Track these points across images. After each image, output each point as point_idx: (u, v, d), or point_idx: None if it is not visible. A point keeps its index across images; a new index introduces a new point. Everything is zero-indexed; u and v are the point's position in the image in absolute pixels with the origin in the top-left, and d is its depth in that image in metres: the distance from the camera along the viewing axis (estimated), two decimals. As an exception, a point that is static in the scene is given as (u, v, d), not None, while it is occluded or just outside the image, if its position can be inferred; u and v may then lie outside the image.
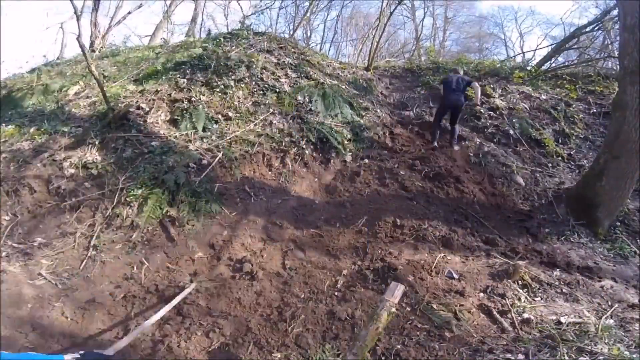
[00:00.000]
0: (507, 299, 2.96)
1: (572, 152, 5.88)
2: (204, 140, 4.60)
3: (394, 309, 2.20)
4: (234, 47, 6.33)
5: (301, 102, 5.52)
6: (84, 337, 2.66)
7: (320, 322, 2.71)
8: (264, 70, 5.90)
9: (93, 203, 3.79)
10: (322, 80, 6.04)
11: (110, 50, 7.84)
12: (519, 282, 3.16)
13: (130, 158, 4.22)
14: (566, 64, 8.75)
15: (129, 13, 10.73)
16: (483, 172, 5.10)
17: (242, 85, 5.52)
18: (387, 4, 8.85)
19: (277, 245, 3.64)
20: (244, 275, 3.26)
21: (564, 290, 3.14)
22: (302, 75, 6.11)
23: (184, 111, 4.88)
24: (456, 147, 5.46)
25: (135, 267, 3.28)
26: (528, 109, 6.44)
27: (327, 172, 4.77)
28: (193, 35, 10.31)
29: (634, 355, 2.24)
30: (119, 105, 4.77)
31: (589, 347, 2.32)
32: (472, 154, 5.39)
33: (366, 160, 5.01)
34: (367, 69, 7.54)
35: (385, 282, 3.06)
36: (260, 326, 2.73)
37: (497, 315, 2.78)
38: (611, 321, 2.70)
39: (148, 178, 3.94)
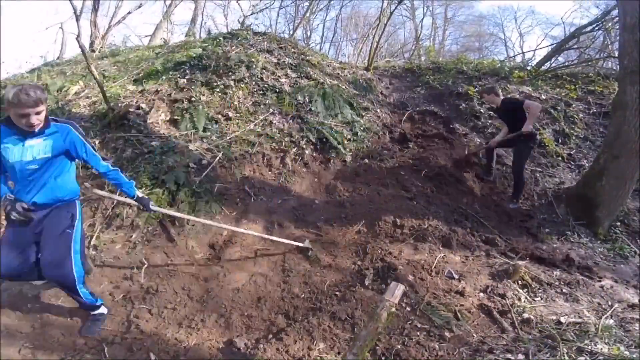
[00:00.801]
0: (507, 299, 2.96)
1: (572, 152, 5.88)
2: (204, 140, 4.60)
3: (394, 309, 2.19)
4: (234, 47, 6.33)
5: (301, 102, 5.52)
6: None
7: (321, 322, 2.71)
8: (264, 70, 5.90)
9: (93, 203, 3.78)
10: (322, 80, 6.05)
11: (110, 50, 7.85)
12: (519, 282, 3.17)
13: (130, 158, 4.22)
14: (566, 64, 8.75)
15: (129, 13, 10.76)
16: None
17: (242, 85, 5.52)
18: (387, 3, 8.85)
19: (277, 245, 3.64)
20: (244, 275, 3.26)
21: (564, 290, 3.15)
22: (302, 75, 6.11)
23: (184, 111, 4.88)
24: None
25: (135, 267, 3.28)
26: (528, 109, 6.43)
27: (327, 172, 4.77)
28: (193, 35, 10.31)
29: (634, 355, 2.24)
30: (119, 105, 4.77)
31: (589, 347, 2.32)
32: (472, 155, 5.38)
33: (366, 160, 5.01)
34: (367, 68, 7.55)
35: (385, 282, 3.06)
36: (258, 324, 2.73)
37: (497, 315, 2.78)
38: (611, 321, 2.70)
39: (148, 178, 3.94)
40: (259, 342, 2.60)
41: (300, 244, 3.48)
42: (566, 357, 2.25)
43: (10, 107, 2.08)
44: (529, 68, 8.13)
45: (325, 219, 4.02)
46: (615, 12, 7.08)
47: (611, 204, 4.41)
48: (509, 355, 2.32)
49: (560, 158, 5.73)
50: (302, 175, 4.62)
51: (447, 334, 2.56)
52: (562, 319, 2.70)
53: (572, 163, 5.72)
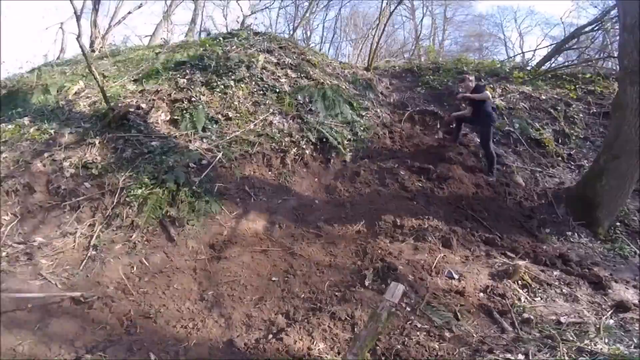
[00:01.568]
0: (507, 299, 2.96)
1: (572, 152, 5.88)
2: (204, 140, 4.60)
3: (394, 309, 2.20)
4: (234, 47, 6.32)
5: (301, 102, 5.52)
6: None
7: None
8: (264, 70, 5.89)
9: (93, 203, 3.79)
10: (322, 80, 6.04)
11: (110, 50, 7.84)
12: (519, 282, 3.17)
13: (130, 158, 4.22)
14: (566, 64, 8.75)
15: (129, 13, 10.76)
16: (483, 173, 5.10)
17: (242, 85, 5.52)
18: (387, 3, 8.84)
19: (277, 245, 3.64)
20: (244, 275, 3.26)
21: (564, 290, 3.15)
22: (302, 75, 6.11)
23: (184, 111, 4.88)
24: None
25: (135, 267, 3.28)
26: (528, 109, 6.44)
27: (327, 172, 4.77)
28: (193, 36, 10.32)
29: (634, 355, 2.24)
30: (119, 105, 4.77)
31: (589, 347, 2.32)
32: (472, 154, 5.39)
33: (366, 160, 5.01)
34: (367, 69, 7.54)
35: (385, 282, 3.06)
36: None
37: (497, 315, 2.78)
38: (611, 321, 2.70)
39: (148, 178, 3.94)
40: (259, 342, 2.60)
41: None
42: (566, 357, 2.25)
43: None
44: (528, 68, 8.13)
45: (325, 219, 4.03)
46: (614, 12, 7.09)
47: (611, 204, 4.41)
48: (509, 355, 2.32)
49: (560, 158, 5.72)
50: (302, 175, 4.62)
51: (447, 334, 2.56)
52: (562, 319, 2.70)
53: (572, 163, 5.72)
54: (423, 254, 3.47)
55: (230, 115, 5.02)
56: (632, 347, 2.37)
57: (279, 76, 5.91)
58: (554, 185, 5.19)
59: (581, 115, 6.51)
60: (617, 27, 5.20)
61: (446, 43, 19.32)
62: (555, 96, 6.81)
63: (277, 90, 5.60)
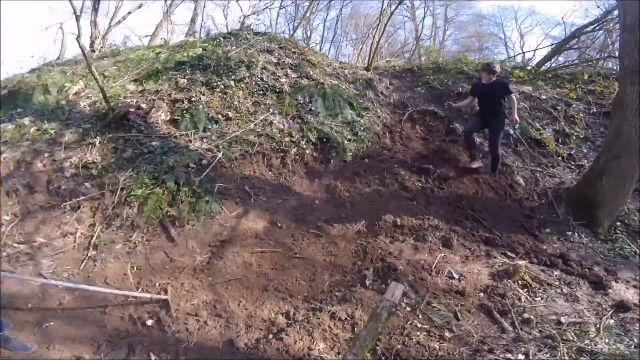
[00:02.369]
0: (507, 299, 2.96)
1: (572, 152, 5.88)
2: (204, 140, 4.60)
3: (394, 309, 2.20)
4: (234, 47, 6.32)
5: (301, 102, 5.52)
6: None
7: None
8: (264, 70, 5.89)
9: (93, 203, 3.79)
10: (322, 80, 6.04)
11: (111, 50, 7.84)
12: (519, 282, 3.17)
13: (130, 158, 4.22)
14: (566, 64, 8.75)
15: (129, 13, 10.73)
16: (483, 172, 5.10)
17: (242, 85, 5.52)
18: (387, 4, 8.84)
19: (278, 245, 3.64)
20: (244, 276, 3.26)
21: (564, 290, 3.15)
22: (302, 75, 6.11)
23: (184, 111, 4.89)
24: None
25: (135, 267, 3.29)
26: (528, 109, 6.43)
27: (327, 172, 4.77)
28: (193, 35, 10.32)
29: (634, 355, 2.24)
30: (119, 105, 4.77)
31: (589, 347, 2.32)
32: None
33: (366, 160, 5.01)
34: (367, 68, 7.54)
35: (385, 282, 3.06)
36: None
37: (497, 315, 2.78)
38: (611, 321, 2.70)
39: (148, 178, 3.94)
40: (259, 342, 2.60)
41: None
42: (566, 357, 2.25)
43: None
44: (529, 68, 8.12)
45: (325, 218, 4.02)
46: (616, 12, 7.08)
47: (611, 204, 4.41)
48: (509, 355, 2.32)
49: (560, 158, 5.72)
50: (302, 175, 4.62)
51: (447, 334, 2.56)
52: (562, 319, 2.70)
53: (572, 163, 5.72)
54: (423, 254, 3.47)
55: (230, 115, 5.02)
56: (632, 347, 2.37)
57: (279, 76, 5.91)
58: (554, 185, 5.18)
59: (581, 115, 6.50)
60: (618, 27, 5.19)
61: (447, 43, 19.33)
62: (556, 96, 6.81)
63: (277, 90, 5.59)
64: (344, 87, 6.26)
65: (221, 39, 6.80)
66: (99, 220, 3.66)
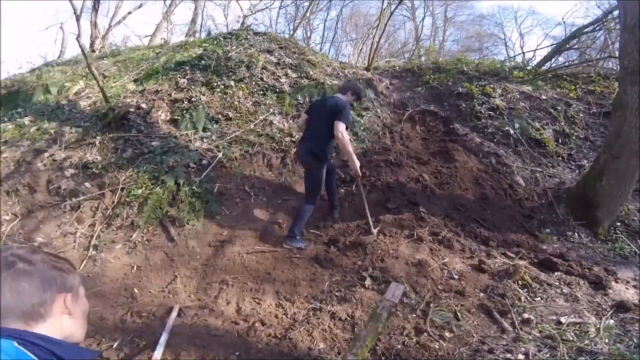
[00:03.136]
0: (507, 299, 2.96)
1: (572, 152, 5.88)
2: (204, 140, 4.60)
3: (394, 309, 2.20)
4: (234, 47, 6.33)
5: (301, 102, 5.52)
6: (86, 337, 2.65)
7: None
8: (264, 70, 5.90)
9: (93, 203, 3.79)
10: (322, 80, 6.04)
11: (111, 50, 7.85)
12: (519, 282, 3.17)
13: (130, 158, 4.22)
14: (566, 64, 8.75)
15: (129, 13, 10.76)
16: (483, 172, 5.10)
17: (242, 85, 5.52)
18: (387, 3, 8.85)
19: (278, 245, 3.64)
20: (243, 276, 3.26)
21: (564, 290, 3.14)
22: (302, 75, 6.11)
23: (184, 111, 4.89)
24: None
25: (135, 267, 3.29)
26: (528, 109, 6.43)
27: (327, 172, 4.76)
28: (193, 36, 10.32)
29: (634, 355, 2.24)
30: (119, 105, 4.78)
31: (589, 347, 2.32)
32: (473, 154, 5.39)
33: (366, 160, 5.01)
34: (367, 68, 7.55)
35: (385, 282, 3.06)
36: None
37: (497, 315, 2.78)
38: (611, 321, 2.70)
39: (148, 178, 3.94)
40: (259, 342, 2.60)
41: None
42: (566, 357, 2.25)
43: None
44: (529, 68, 8.13)
45: (325, 218, 4.02)
46: (616, 12, 7.08)
47: (611, 204, 4.41)
48: (509, 355, 2.32)
49: (560, 158, 5.72)
50: (302, 175, 4.61)
51: (447, 334, 2.56)
52: (562, 319, 2.70)
53: (572, 163, 5.71)
54: (423, 253, 3.47)
55: (230, 115, 5.02)
56: (632, 347, 2.37)
57: (279, 76, 5.91)
58: (554, 185, 5.18)
59: (581, 115, 6.50)
60: (618, 27, 5.19)
61: (447, 43, 19.34)
62: (556, 96, 6.81)
63: (277, 90, 5.60)
64: (344, 87, 6.25)
65: (221, 39, 6.80)
66: (99, 220, 3.66)
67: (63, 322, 0.82)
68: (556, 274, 3.39)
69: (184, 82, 5.33)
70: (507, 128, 5.97)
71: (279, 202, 4.17)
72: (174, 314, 2.76)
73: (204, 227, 3.72)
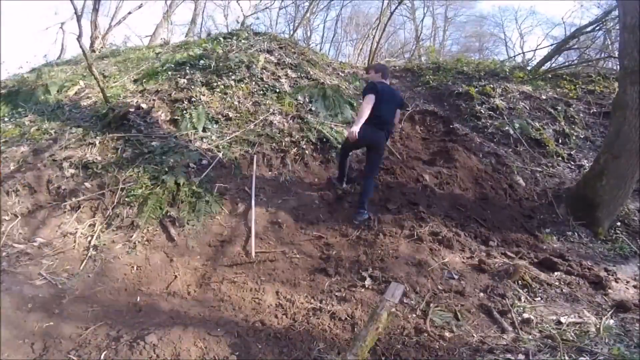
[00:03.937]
0: (507, 299, 2.96)
1: (572, 152, 5.88)
2: (204, 140, 4.61)
3: (394, 309, 2.20)
4: (234, 47, 6.33)
5: (301, 102, 5.52)
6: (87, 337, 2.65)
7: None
8: (264, 70, 5.89)
9: (93, 203, 3.79)
10: (322, 80, 6.04)
11: (111, 50, 7.85)
12: (519, 282, 3.16)
13: (131, 158, 4.22)
14: (566, 64, 8.75)
15: (129, 13, 10.75)
16: (483, 172, 5.10)
17: (242, 85, 5.52)
18: (387, 4, 8.85)
19: (277, 245, 3.64)
20: (243, 276, 3.26)
21: (564, 290, 3.14)
22: (302, 75, 6.11)
23: (184, 111, 4.89)
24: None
25: (135, 267, 3.29)
26: (528, 109, 6.44)
27: (327, 172, 4.77)
28: (193, 36, 10.32)
29: (634, 355, 2.24)
30: (119, 105, 4.78)
31: (589, 347, 2.32)
32: (473, 154, 5.39)
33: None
34: (367, 69, 7.54)
35: (385, 282, 3.06)
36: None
37: (497, 315, 2.78)
38: (611, 321, 2.70)
39: (148, 178, 3.94)
40: (259, 342, 2.59)
41: None
42: (566, 357, 2.25)
43: None
44: (529, 68, 8.13)
45: (325, 219, 4.02)
46: (616, 12, 7.08)
47: (611, 204, 4.41)
48: (509, 355, 2.32)
49: (560, 158, 5.72)
50: (302, 175, 4.62)
51: (447, 334, 2.56)
52: (562, 319, 2.70)
53: (572, 163, 5.72)
54: (423, 253, 3.47)
55: (230, 115, 5.02)
56: (632, 347, 2.37)
57: (279, 76, 5.91)
58: (554, 185, 5.18)
59: (581, 115, 6.51)
60: (618, 27, 5.19)
61: (447, 43, 19.35)
62: (556, 96, 6.82)
63: (277, 90, 5.60)
64: (344, 87, 6.26)
65: (221, 39, 6.80)
66: (99, 220, 3.66)
67: None
68: (556, 274, 3.39)
69: (184, 82, 5.33)
70: (507, 128, 5.97)
71: (279, 202, 4.17)
72: None
73: (204, 227, 3.72)
